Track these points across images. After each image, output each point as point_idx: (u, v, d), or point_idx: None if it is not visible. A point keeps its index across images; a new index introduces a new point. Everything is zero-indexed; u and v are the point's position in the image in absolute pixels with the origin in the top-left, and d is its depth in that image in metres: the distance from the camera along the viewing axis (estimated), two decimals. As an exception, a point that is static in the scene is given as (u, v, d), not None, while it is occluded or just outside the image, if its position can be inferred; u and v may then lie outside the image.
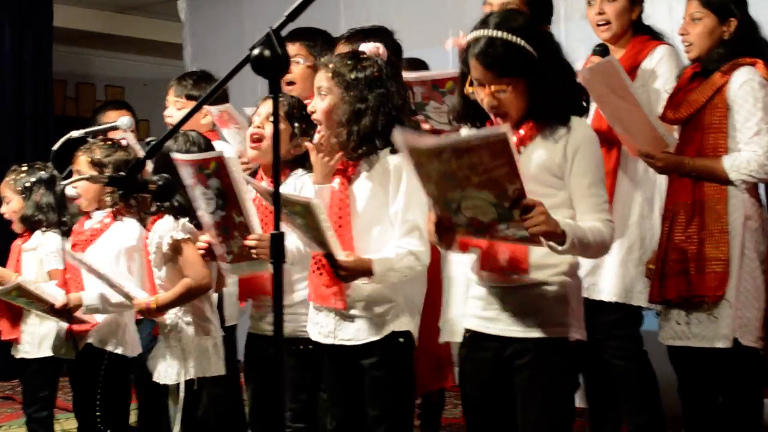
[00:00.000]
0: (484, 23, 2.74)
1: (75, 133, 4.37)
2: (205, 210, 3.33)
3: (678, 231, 3.72)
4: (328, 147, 3.15)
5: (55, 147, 4.39)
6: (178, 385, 3.49)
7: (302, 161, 3.44)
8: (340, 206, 3.11)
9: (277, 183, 2.25)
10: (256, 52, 2.22)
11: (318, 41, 4.17)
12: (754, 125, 3.62)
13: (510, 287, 2.79)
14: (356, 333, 3.10)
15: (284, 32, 3.75)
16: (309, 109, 3.18)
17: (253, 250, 3.23)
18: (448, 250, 2.81)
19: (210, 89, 2.61)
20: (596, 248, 2.70)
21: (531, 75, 2.71)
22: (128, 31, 8.76)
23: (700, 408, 3.85)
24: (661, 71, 4.01)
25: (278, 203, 2.26)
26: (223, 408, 4.29)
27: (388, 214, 3.09)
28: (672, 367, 3.90)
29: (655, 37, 4.07)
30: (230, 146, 4.41)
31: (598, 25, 4.06)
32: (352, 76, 3.09)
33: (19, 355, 4.32)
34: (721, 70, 3.69)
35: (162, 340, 3.54)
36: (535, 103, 2.74)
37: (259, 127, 3.49)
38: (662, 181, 3.91)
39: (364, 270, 2.99)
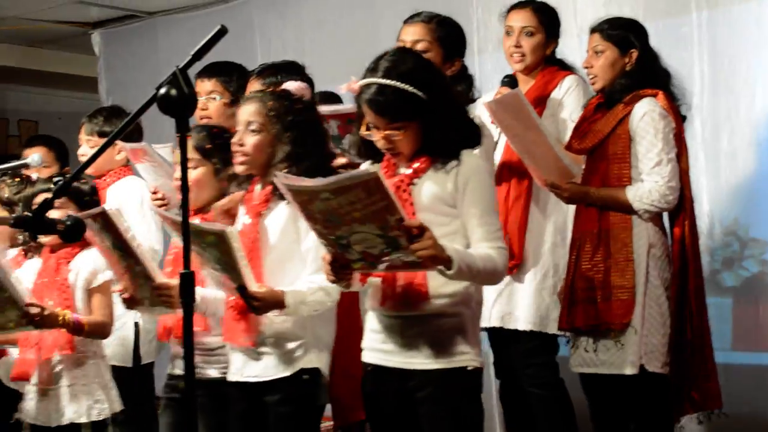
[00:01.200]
0: (373, 70, 2.82)
1: None
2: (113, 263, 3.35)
3: (585, 259, 3.80)
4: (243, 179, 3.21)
5: None
6: (91, 425, 3.49)
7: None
8: (252, 240, 3.10)
9: (185, 221, 2.29)
10: (162, 91, 2.27)
11: (234, 77, 4.20)
12: (655, 156, 3.71)
13: (408, 319, 2.83)
14: (263, 370, 3.09)
15: (199, 67, 3.83)
16: (235, 139, 3.16)
17: (162, 298, 3.23)
18: (347, 288, 2.85)
19: (119, 127, 2.63)
20: (486, 275, 2.77)
21: (422, 116, 2.78)
22: (42, 65, 8.59)
23: None
24: (568, 101, 4.11)
25: (188, 241, 2.30)
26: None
27: (299, 250, 3.09)
28: (585, 394, 3.96)
29: (564, 67, 4.18)
30: (143, 182, 4.44)
31: (512, 56, 4.14)
32: (290, 118, 3.12)
33: None
34: (623, 102, 3.79)
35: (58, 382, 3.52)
36: (428, 141, 2.81)
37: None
38: (573, 209, 3.98)
39: (276, 301, 2.98)
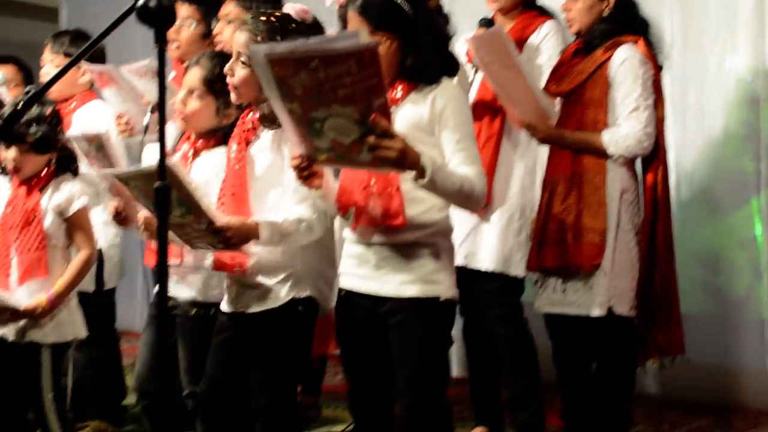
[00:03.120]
0: None
1: None
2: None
3: (557, 201, 3.82)
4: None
5: None
6: (51, 347, 3.49)
7: (228, 131, 3.33)
8: (238, 168, 3.10)
9: (162, 137, 2.24)
10: (141, 1, 2.24)
11: (214, 8, 4.15)
12: (633, 101, 3.72)
13: (384, 245, 2.87)
14: (255, 301, 3.10)
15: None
16: (225, 68, 3.12)
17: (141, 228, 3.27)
18: (311, 188, 2.84)
19: (86, 44, 2.60)
20: (463, 195, 2.78)
21: (405, 34, 2.83)
22: None
23: (575, 375, 3.95)
24: (545, 47, 4.13)
25: (163, 156, 2.26)
26: (101, 371, 4.30)
27: (283, 179, 3.07)
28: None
29: (542, 13, 4.19)
30: (108, 108, 4.42)
31: None
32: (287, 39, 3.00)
33: None
34: (603, 47, 3.79)
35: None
36: (406, 64, 2.85)
37: (182, 102, 3.39)
38: (543, 152, 4.01)
39: (249, 230, 2.96)
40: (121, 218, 3.50)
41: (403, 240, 2.85)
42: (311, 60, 2.44)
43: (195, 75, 3.37)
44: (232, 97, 3.13)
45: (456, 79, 3.01)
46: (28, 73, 5.11)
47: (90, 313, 3.74)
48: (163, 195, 2.23)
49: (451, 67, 2.95)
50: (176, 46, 4.34)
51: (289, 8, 3.19)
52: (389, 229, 2.85)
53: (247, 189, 3.07)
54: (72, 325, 3.55)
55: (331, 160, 2.70)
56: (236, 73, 3.08)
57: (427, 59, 2.85)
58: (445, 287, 2.89)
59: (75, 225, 3.55)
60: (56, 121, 3.55)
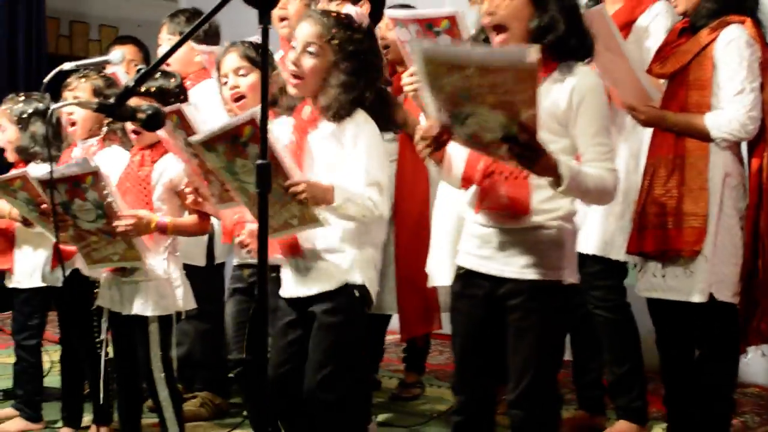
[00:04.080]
0: None
1: (67, 65, 4.35)
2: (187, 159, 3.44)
3: (658, 185, 3.78)
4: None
5: (47, 79, 4.38)
6: (158, 319, 3.57)
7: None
8: (296, 157, 3.11)
9: (264, 118, 2.34)
10: None
11: None
12: (738, 84, 3.65)
13: (507, 228, 2.86)
14: (313, 284, 3.14)
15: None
16: (291, 59, 3.15)
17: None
18: (437, 163, 2.87)
19: (195, 23, 2.68)
20: (597, 194, 2.79)
21: None
22: None
23: (677, 361, 3.92)
24: (655, 28, 4.07)
25: (265, 130, 2.36)
26: (209, 344, 4.42)
27: (342, 165, 3.10)
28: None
29: None
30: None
31: None
32: (350, 48, 3.12)
33: (11, 285, 4.35)
34: (709, 27, 3.72)
35: (131, 276, 3.60)
36: (537, 26, 2.80)
37: (235, 86, 3.51)
38: (648, 136, 3.96)
39: (324, 190, 2.99)
40: (195, 198, 3.52)
41: (526, 224, 2.84)
42: (468, 67, 2.44)
43: (235, 56, 3.47)
44: (292, 91, 3.18)
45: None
46: (146, 53, 5.26)
47: (199, 287, 3.82)
48: (266, 171, 2.33)
49: (585, 46, 2.89)
50: (284, 25, 4.42)
51: (350, 9, 3.25)
52: (512, 215, 2.84)
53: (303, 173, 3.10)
54: (175, 299, 3.61)
55: (467, 144, 2.72)
56: (304, 64, 3.12)
57: (556, 20, 2.80)
58: (567, 272, 2.87)
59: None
60: (183, 95, 3.66)
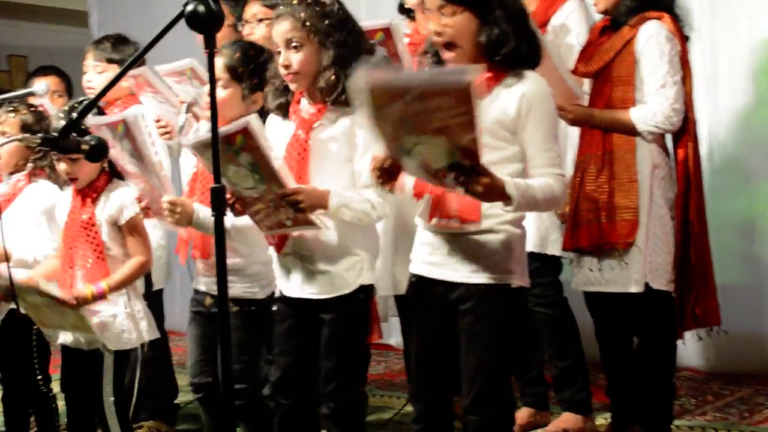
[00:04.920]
0: None
1: None
2: (132, 169, 3.40)
3: (589, 181, 3.85)
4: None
5: None
6: (115, 353, 3.54)
7: (261, 113, 3.34)
8: (301, 153, 3.12)
9: (215, 135, 2.36)
10: (190, 7, 2.33)
11: (240, 1, 4.28)
12: (660, 78, 3.74)
13: (457, 234, 2.89)
14: (323, 287, 3.12)
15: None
16: (281, 62, 3.13)
17: (167, 213, 3.29)
18: (389, 192, 2.88)
19: (138, 51, 2.69)
20: (546, 203, 2.82)
21: (482, 6, 2.83)
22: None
23: (617, 351, 4.00)
24: (571, 25, 4.15)
25: (217, 156, 2.38)
26: (152, 371, 4.37)
27: (348, 170, 3.11)
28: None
29: None
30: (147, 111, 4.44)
31: None
32: (326, 22, 3.09)
33: None
34: (629, 24, 3.80)
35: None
36: (482, 41, 2.83)
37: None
38: (576, 134, 4.03)
39: (320, 196, 2.99)
40: (145, 208, 3.52)
41: (475, 229, 2.87)
42: (410, 92, 2.46)
43: (218, 64, 3.37)
44: (292, 86, 3.16)
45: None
46: (68, 82, 5.20)
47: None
48: (219, 195, 2.37)
49: (534, 53, 2.92)
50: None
51: None
52: (463, 222, 2.87)
53: (308, 173, 3.09)
54: (139, 332, 3.59)
55: (417, 174, 2.76)
56: (293, 60, 3.11)
57: (505, 32, 2.83)
58: (516, 275, 2.90)
59: (128, 232, 3.57)
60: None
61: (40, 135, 3.34)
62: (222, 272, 2.36)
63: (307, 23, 3.08)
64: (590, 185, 3.86)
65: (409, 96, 2.46)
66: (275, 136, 3.17)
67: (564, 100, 3.86)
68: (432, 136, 2.53)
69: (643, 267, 3.78)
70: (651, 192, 3.80)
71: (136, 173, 3.43)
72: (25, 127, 3.91)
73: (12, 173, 3.98)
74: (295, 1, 3.13)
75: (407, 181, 2.91)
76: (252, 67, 3.42)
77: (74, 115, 2.64)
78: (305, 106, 3.16)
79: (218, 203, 2.37)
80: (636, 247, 3.77)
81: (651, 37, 3.77)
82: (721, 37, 5.17)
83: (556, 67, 3.81)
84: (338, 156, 3.10)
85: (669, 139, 3.92)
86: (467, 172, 2.58)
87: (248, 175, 2.98)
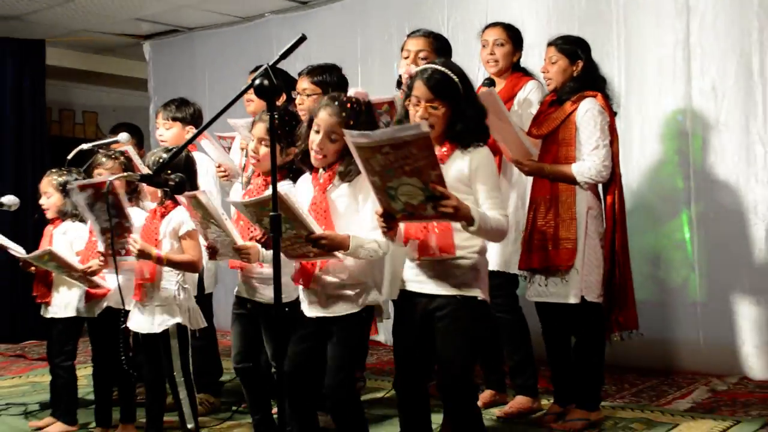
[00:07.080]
0: (431, 63, 3.03)
1: (85, 146, 4.38)
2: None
3: (540, 217, 3.90)
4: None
5: (70, 156, 4.37)
6: (178, 334, 3.57)
7: (290, 167, 3.37)
8: (323, 209, 3.07)
9: (275, 184, 2.46)
10: (257, 81, 2.43)
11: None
12: (594, 142, 3.82)
13: (436, 260, 2.93)
14: (335, 308, 3.07)
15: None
16: (318, 145, 3.08)
17: (242, 256, 3.31)
18: (392, 240, 2.90)
19: (211, 118, 2.69)
20: (496, 233, 2.89)
21: (455, 104, 2.93)
22: (103, 69, 8.58)
23: (559, 349, 4.04)
24: (532, 99, 4.21)
25: (275, 189, 2.44)
26: (203, 356, 4.43)
27: (358, 218, 3.06)
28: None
29: (526, 74, 4.30)
30: (207, 157, 4.52)
31: (488, 63, 4.24)
32: (360, 121, 3.04)
33: (48, 315, 4.25)
34: (571, 100, 3.88)
35: (151, 301, 3.60)
36: (456, 129, 2.94)
37: (254, 151, 3.46)
38: (529, 182, 4.09)
39: (341, 240, 2.93)
40: (212, 252, 3.48)
41: (450, 257, 2.92)
42: (384, 146, 2.55)
43: (261, 128, 3.42)
44: (317, 163, 3.12)
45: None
46: (140, 135, 5.25)
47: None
48: (277, 222, 2.45)
49: (483, 134, 3.01)
50: (253, 106, 4.51)
51: (352, 91, 3.15)
52: (441, 253, 2.91)
53: (332, 224, 3.06)
54: (187, 318, 3.62)
55: (405, 217, 2.77)
56: (328, 148, 3.08)
57: (473, 127, 2.93)
58: (481, 291, 2.94)
59: (186, 241, 3.59)
60: (191, 167, 3.62)
61: (140, 173, 3.40)
62: (277, 279, 2.44)
63: (349, 120, 3.03)
64: (540, 221, 3.90)
65: (384, 149, 2.54)
66: (303, 194, 3.18)
67: (521, 156, 3.96)
68: (408, 177, 2.59)
69: (580, 284, 3.82)
70: (586, 227, 3.84)
71: (206, 234, 3.39)
72: (124, 169, 3.94)
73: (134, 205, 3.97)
74: (346, 104, 3.08)
75: (399, 233, 2.96)
76: (288, 128, 3.39)
77: (164, 158, 2.72)
78: (322, 174, 3.15)
79: (277, 228, 2.45)
80: (575, 268, 3.82)
81: (588, 111, 3.84)
82: (635, 110, 5.21)
83: (516, 132, 3.90)
84: (349, 208, 3.08)
85: (600, 188, 3.96)
86: (439, 198, 2.64)
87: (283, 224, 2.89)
